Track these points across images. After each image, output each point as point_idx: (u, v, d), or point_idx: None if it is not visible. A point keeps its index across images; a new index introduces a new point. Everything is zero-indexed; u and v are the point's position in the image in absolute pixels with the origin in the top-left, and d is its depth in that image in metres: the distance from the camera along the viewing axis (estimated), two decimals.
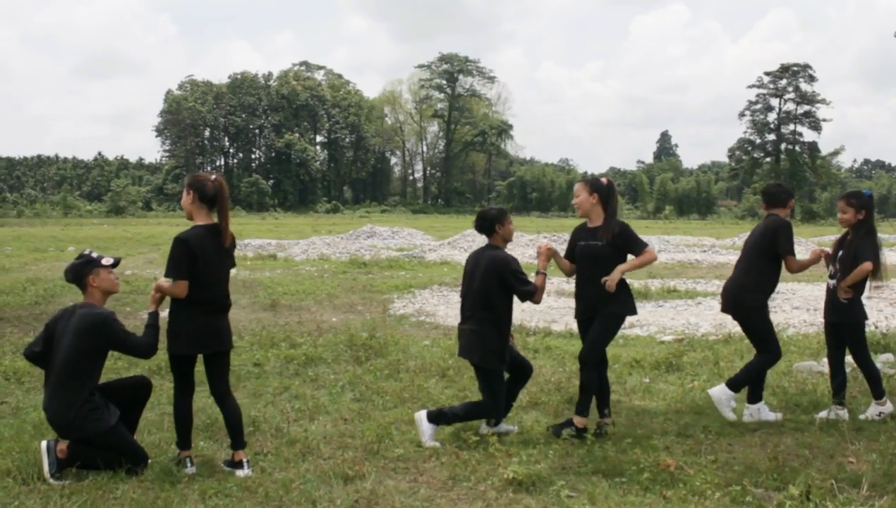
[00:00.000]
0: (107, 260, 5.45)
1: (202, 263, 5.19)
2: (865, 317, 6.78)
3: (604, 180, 6.44)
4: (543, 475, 5.13)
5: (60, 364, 5.17)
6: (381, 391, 7.44)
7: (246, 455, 5.36)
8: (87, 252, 5.52)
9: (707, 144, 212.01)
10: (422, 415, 5.98)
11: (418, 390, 7.44)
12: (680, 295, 15.67)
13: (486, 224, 6.21)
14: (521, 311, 13.76)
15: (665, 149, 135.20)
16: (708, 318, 12.44)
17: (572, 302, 6.59)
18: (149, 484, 4.95)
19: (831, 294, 6.73)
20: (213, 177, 5.39)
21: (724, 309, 6.90)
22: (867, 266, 6.41)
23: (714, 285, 18.03)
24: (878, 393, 6.69)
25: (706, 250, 30.10)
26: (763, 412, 6.60)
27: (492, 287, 6.02)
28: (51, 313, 12.21)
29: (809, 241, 30.30)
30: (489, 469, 5.27)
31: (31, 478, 4.99)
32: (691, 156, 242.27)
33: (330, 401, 7.10)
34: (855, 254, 6.52)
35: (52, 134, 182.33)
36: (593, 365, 6.21)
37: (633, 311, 6.31)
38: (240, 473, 5.19)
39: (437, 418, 5.99)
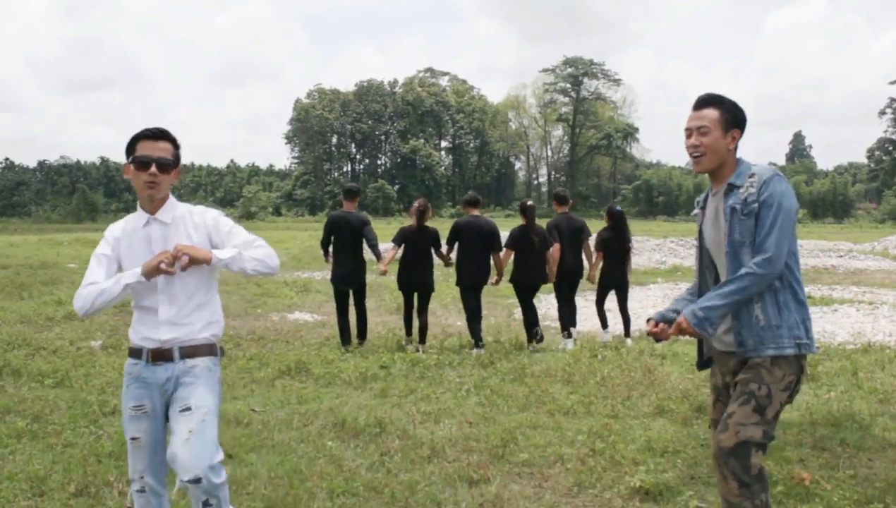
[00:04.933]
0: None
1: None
2: None
3: (529, 202, 10.62)
4: (671, 484, 5.01)
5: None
6: (506, 395, 7.44)
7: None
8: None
9: (844, 144, 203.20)
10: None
11: (543, 394, 7.41)
12: (814, 302, 15.08)
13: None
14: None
15: (798, 150, 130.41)
16: (845, 326, 11.95)
17: None
18: (279, 481, 5.09)
19: None
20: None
21: None
22: None
23: (851, 292, 17.29)
24: None
25: (843, 255, 28.73)
26: None
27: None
28: None
29: None
30: (615, 477, 5.19)
31: None
32: (827, 158, 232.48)
33: (455, 404, 7.14)
34: None
35: (189, 141, 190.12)
36: None
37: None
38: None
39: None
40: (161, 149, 3.57)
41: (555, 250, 10.31)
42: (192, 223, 3.68)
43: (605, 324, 10.84)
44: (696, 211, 3.86)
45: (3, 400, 7.08)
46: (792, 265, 3.50)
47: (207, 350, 3.71)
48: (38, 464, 5.38)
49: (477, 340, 9.85)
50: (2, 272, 20.32)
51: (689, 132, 3.62)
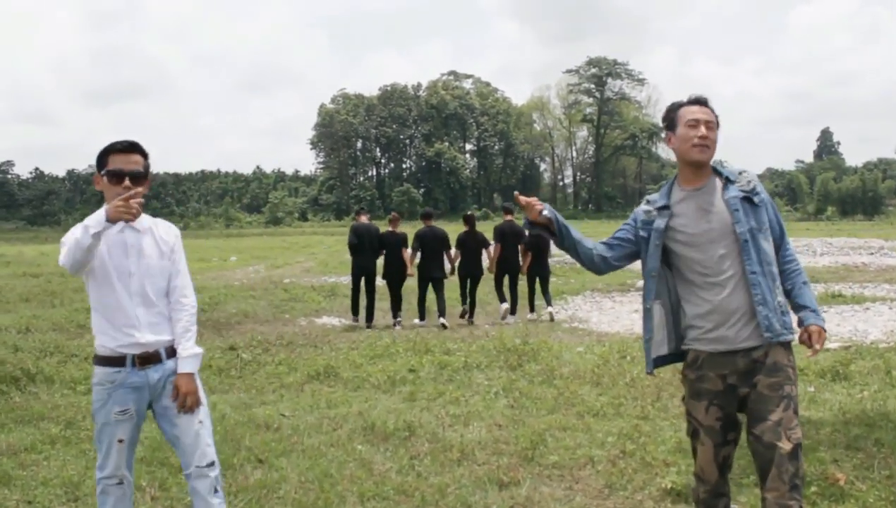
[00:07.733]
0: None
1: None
2: None
3: (469, 212, 14.56)
4: None
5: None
6: (535, 397, 7.42)
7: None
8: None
9: (874, 140, 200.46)
10: None
11: (572, 396, 7.38)
12: (846, 301, 14.93)
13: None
14: None
15: (826, 146, 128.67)
16: (878, 325, 11.82)
17: None
18: (310, 485, 5.11)
19: None
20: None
21: None
22: None
23: (883, 289, 17.09)
24: None
25: (874, 252, 28.42)
26: None
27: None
28: (216, 319, 12.88)
29: None
30: (646, 479, 5.16)
31: None
32: (856, 154, 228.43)
33: (484, 407, 7.13)
34: None
35: (215, 148, 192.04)
36: None
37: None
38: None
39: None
40: (133, 162, 3.65)
41: (495, 249, 13.43)
42: (160, 235, 3.84)
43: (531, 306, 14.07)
44: (651, 208, 3.88)
45: (36, 406, 7.16)
46: None
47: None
48: (72, 469, 5.44)
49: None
50: (33, 280, 20.57)
51: (697, 123, 3.68)
